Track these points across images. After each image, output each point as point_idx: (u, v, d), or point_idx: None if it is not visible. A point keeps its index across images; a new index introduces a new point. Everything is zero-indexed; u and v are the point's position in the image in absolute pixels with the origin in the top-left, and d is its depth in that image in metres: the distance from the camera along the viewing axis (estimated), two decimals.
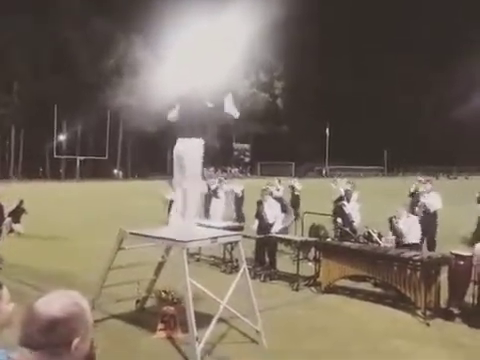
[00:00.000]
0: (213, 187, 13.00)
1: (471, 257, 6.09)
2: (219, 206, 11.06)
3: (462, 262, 6.18)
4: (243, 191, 13.38)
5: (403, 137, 65.42)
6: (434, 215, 10.33)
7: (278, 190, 14.33)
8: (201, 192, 5.67)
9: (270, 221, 8.30)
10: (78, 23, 46.89)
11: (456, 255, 6.31)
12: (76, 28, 46.97)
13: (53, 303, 1.38)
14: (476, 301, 6.03)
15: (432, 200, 10.36)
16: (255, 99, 61.50)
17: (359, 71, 64.76)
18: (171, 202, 15.59)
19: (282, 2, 48.72)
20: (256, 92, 62.10)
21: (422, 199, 10.53)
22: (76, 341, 1.37)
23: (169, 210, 15.16)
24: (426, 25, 64.33)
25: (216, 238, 5.23)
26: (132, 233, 5.48)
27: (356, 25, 65.36)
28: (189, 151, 5.38)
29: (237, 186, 13.60)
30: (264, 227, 8.32)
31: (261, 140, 62.14)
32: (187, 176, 5.40)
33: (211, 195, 11.79)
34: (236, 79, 54.57)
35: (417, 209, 10.26)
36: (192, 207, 5.43)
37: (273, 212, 8.38)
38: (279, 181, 14.89)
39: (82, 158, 50.83)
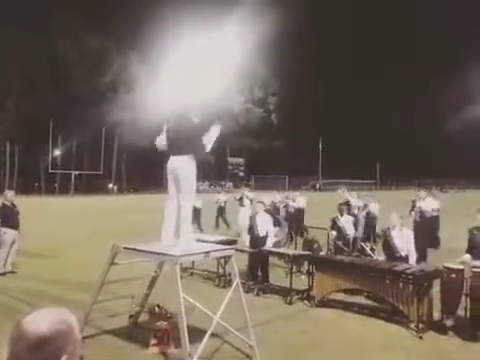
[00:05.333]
0: (238, 196, 16.29)
1: (463, 270, 6.12)
2: (245, 214, 12.12)
3: (454, 275, 6.21)
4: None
5: (395, 151, 65.88)
6: (430, 220, 11.53)
7: (294, 201, 15.30)
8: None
9: (262, 235, 8.31)
10: (74, 40, 47.25)
11: (448, 268, 6.34)
12: (72, 45, 47.35)
13: (41, 321, 1.39)
14: (469, 314, 6.05)
15: (427, 205, 11.42)
16: (250, 114, 61.92)
17: (352, 87, 65.38)
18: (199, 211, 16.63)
19: (277, 19, 49.29)
20: (251, 107, 62.54)
21: (418, 204, 11.69)
22: (64, 359, 1.39)
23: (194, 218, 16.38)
24: (418, 40, 65.16)
25: (209, 252, 5.24)
26: (125, 248, 5.48)
27: (350, 42, 66.19)
28: (182, 167, 5.41)
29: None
30: (256, 241, 8.34)
31: (255, 154, 62.43)
32: (181, 192, 5.43)
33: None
34: (231, 95, 54.95)
35: (413, 214, 11.51)
36: (187, 222, 5.46)
37: (265, 226, 8.40)
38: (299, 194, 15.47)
39: (77, 173, 50.75)
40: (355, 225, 13.26)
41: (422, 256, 10.25)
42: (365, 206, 14.31)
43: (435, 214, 13.54)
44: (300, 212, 16.32)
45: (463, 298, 6.13)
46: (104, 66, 49.98)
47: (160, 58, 46.18)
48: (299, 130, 62.31)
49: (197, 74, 39.02)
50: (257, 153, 61.87)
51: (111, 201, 38.21)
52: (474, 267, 6.06)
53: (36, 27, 44.24)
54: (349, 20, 66.24)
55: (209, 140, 5.50)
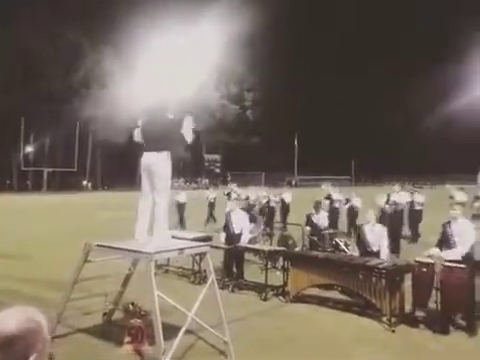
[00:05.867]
0: (226, 192, 16.74)
1: (433, 264, 6.24)
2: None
3: (425, 269, 6.33)
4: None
5: (370, 147, 66.75)
6: (416, 213, 13.26)
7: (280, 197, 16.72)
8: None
9: (237, 231, 8.33)
10: (46, 35, 46.26)
11: (419, 262, 6.45)
12: (44, 40, 46.32)
13: (9, 320, 1.38)
14: (439, 307, 6.18)
15: (401, 198, 12.50)
16: (226, 110, 61.87)
17: (328, 84, 65.89)
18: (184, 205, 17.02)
19: (253, 15, 49.29)
20: (226, 103, 62.50)
21: (392, 198, 12.62)
22: (33, 357, 1.38)
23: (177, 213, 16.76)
24: (395, 37, 66.03)
25: (183, 249, 5.22)
26: (98, 245, 5.42)
27: (326, 39, 66.64)
28: (156, 164, 5.37)
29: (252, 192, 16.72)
30: (232, 237, 8.35)
31: (231, 151, 62.46)
32: (156, 189, 5.39)
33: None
34: (207, 91, 54.79)
35: (387, 207, 12.30)
36: (161, 219, 5.43)
37: (240, 222, 8.41)
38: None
39: (50, 170, 49.91)
40: (333, 219, 13.81)
41: (396, 247, 11.33)
42: (347, 200, 14.95)
43: (419, 208, 14.42)
44: (287, 207, 16.83)
45: (434, 291, 6.25)
46: (77, 61, 49.15)
47: (135, 54, 45.71)
48: (275, 126, 62.58)
49: (172, 70, 38.81)
50: (233, 149, 61.93)
51: (85, 198, 37.73)
52: (444, 261, 6.19)
53: (5, 22, 43.11)
54: (325, 17, 66.76)
55: (186, 133, 5.47)
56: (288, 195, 16.96)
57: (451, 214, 6.58)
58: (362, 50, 68.53)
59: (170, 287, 6.73)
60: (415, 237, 13.89)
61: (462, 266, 6.07)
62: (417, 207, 14.52)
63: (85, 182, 56.01)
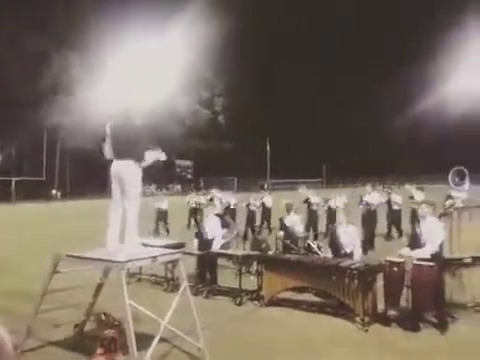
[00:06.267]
0: (208, 197, 16.87)
1: (404, 263, 6.35)
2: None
3: (396, 268, 6.43)
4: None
5: (341, 150, 67.67)
6: (395, 212, 14.02)
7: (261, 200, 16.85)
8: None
9: (210, 237, 8.30)
10: (10, 39, 45.21)
11: (390, 262, 6.56)
12: (7, 45, 45.24)
13: None
14: (410, 305, 6.29)
15: (373, 199, 13.30)
16: (197, 116, 61.68)
17: (298, 87, 66.50)
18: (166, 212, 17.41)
19: (221, 21, 49.41)
20: (198, 109, 62.32)
21: (364, 198, 13.36)
22: None
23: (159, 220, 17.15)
24: (363, 40, 67.12)
25: (155, 257, 5.17)
26: (68, 255, 5.31)
27: (294, 44, 67.32)
28: (126, 171, 5.32)
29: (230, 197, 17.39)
30: (204, 243, 8.31)
31: (203, 156, 62.29)
32: (126, 196, 5.34)
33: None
34: (177, 96, 54.57)
35: (361, 207, 13.11)
36: (133, 227, 5.37)
37: (213, 228, 8.38)
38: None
39: (18, 179, 48.74)
40: (313, 221, 13.99)
41: (369, 244, 12.15)
42: (326, 201, 15.19)
43: (397, 208, 14.99)
44: (268, 211, 16.73)
45: (405, 290, 6.36)
46: (43, 67, 48.15)
47: (102, 60, 45.16)
48: (247, 131, 62.71)
49: (141, 76, 38.49)
50: (205, 155, 61.75)
51: (55, 208, 37.01)
52: (414, 260, 6.30)
53: None
54: (294, 21, 67.43)
55: (148, 159, 5.44)
56: (269, 199, 17.02)
57: (420, 214, 6.71)
58: (331, 55, 69.52)
59: (143, 295, 6.64)
60: (399, 235, 14.50)
61: (431, 264, 6.19)
62: (395, 207, 15.04)
63: (54, 191, 54.90)
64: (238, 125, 62.21)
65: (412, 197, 14.21)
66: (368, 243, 12.18)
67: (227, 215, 15.52)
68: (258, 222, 16.58)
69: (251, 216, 16.35)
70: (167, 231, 17.28)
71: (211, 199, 16.55)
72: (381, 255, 6.84)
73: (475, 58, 49.21)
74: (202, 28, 47.64)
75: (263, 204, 16.72)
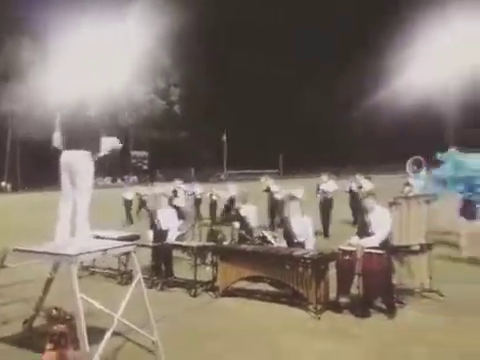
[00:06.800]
0: (172, 188, 16.82)
1: (355, 251, 6.51)
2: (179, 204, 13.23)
3: (347, 257, 6.59)
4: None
5: (297, 141, 68.47)
6: (331, 200, 14.13)
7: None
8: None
9: (164, 228, 8.24)
10: None
11: (342, 250, 6.71)
12: None
13: None
14: (361, 292, 6.47)
15: (329, 187, 14.02)
16: (153, 106, 60.86)
17: (255, 77, 66.64)
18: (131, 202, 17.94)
19: (178, 9, 48.76)
20: (154, 99, 61.47)
21: (321, 187, 14.06)
22: None
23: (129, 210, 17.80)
24: (318, 32, 67.83)
25: (106, 250, 5.07)
26: (16, 249, 5.14)
27: (250, 32, 67.26)
28: (78, 162, 5.19)
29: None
30: (159, 235, 8.24)
31: (159, 147, 61.59)
32: (78, 188, 5.21)
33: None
34: (132, 86, 53.64)
35: (318, 195, 14.01)
36: (83, 220, 5.25)
37: (167, 219, 8.32)
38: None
39: None
40: (272, 211, 14.20)
41: (325, 231, 13.44)
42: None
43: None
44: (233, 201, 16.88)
45: (356, 278, 6.53)
46: None
47: (56, 46, 43.74)
48: (203, 121, 62.45)
49: (95, 64, 37.58)
50: (161, 145, 61.08)
51: (4, 200, 35.77)
52: (364, 248, 6.48)
53: None
54: (252, 11, 67.25)
55: (104, 147, 5.33)
56: (234, 188, 17.17)
57: (367, 203, 6.89)
58: (289, 46, 69.93)
59: (96, 289, 6.54)
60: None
61: (381, 252, 6.39)
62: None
63: (4, 183, 52.99)
64: (194, 115, 61.88)
65: (361, 187, 14.79)
66: (324, 230, 13.46)
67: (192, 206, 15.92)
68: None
69: (214, 206, 16.88)
70: (131, 221, 17.68)
71: (175, 191, 16.54)
72: (343, 240, 6.97)
73: (426, 52, 50.94)
74: (159, 16, 46.90)
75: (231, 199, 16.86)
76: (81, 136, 5.16)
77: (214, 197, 17.15)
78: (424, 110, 56.32)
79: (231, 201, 16.61)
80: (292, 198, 8.48)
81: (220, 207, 16.97)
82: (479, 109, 51.60)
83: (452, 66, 51.05)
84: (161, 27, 48.20)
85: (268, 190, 15.62)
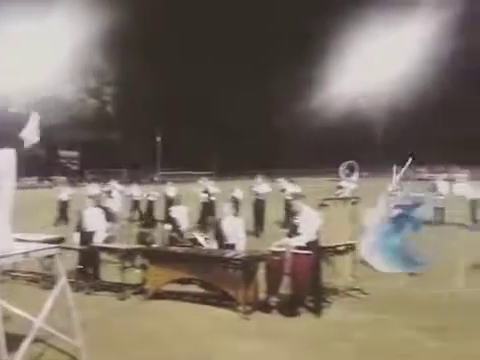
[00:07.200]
0: (107, 189, 16.79)
1: (284, 252, 6.63)
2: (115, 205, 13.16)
3: (277, 257, 6.71)
4: None
5: (232, 143, 68.92)
6: (263, 201, 14.78)
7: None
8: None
9: (91, 230, 7.99)
10: None
11: (272, 251, 6.82)
12: None
13: None
14: (289, 292, 6.60)
15: (262, 189, 14.87)
16: (83, 105, 58.99)
17: (190, 79, 66.29)
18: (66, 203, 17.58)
19: (113, 8, 47.58)
20: (84, 98, 59.58)
21: (254, 188, 14.98)
22: None
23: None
24: (251, 38, 68.57)
25: (28, 253, 4.84)
26: None
27: (187, 32, 66.88)
28: None
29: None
30: (86, 237, 7.99)
31: (90, 147, 59.74)
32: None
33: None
34: (61, 84, 51.76)
35: (252, 196, 14.84)
36: (3, 223, 4.98)
37: (94, 221, 8.08)
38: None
39: None
40: (212, 212, 14.46)
41: (259, 230, 14.05)
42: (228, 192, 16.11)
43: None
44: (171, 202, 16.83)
45: (285, 278, 6.65)
46: None
47: None
48: (136, 122, 61.25)
49: (21, 61, 35.91)
50: (92, 145, 59.25)
51: None
52: (293, 248, 6.62)
53: None
54: (188, 12, 66.82)
55: (31, 131, 5.07)
56: (172, 190, 17.13)
57: (295, 205, 7.04)
58: (224, 48, 70.06)
59: (18, 294, 6.25)
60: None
61: (308, 252, 6.55)
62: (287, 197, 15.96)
63: None
64: (128, 115, 60.61)
65: (284, 190, 15.58)
66: (258, 229, 14.04)
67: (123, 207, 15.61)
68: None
69: (150, 207, 16.97)
70: (66, 221, 17.23)
71: (109, 192, 16.21)
72: (275, 241, 7.05)
73: (354, 60, 53.19)
74: (90, 13, 45.50)
75: (165, 195, 16.75)
76: (2, 134, 4.90)
77: (151, 198, 17.13)
78: (354, 116, 58.75)
79: (169, 202, 16.54)
80: (227, 200, 8.60)
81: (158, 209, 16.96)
82: (406, 114, 54.57)
83: (379, 74, 53.70)
84: (93, 24, 46.81)
85: (206, 192, 16.00)
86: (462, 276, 8.35)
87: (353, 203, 7.88)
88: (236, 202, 15.59)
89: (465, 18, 47.43)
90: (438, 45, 49.20)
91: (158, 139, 66.67)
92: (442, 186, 16.94)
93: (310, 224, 6.69)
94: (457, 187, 16.78)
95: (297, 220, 6.80)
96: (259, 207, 14.63)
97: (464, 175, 23.65)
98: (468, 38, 46.72)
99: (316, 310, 6.53)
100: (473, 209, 15.12)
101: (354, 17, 51.64)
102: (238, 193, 16.10)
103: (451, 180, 19.94)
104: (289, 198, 14.71)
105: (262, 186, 15.13)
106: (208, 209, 15.33)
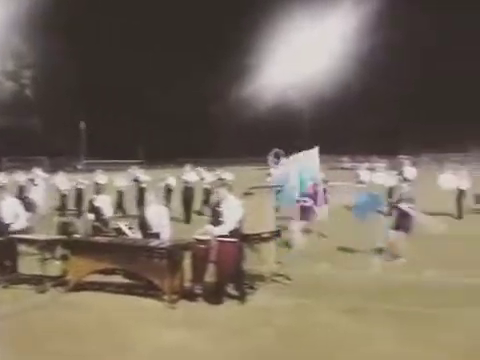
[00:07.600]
0: (30, 177, 16.24)
1: (209, 240, 6.64)
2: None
3: (203, 245, 6.70)
4: None
5: (161, 132, 67.86)
6: (192, 189, 15.03)
7: None
8: None
9: (7, 220, 7.57)
10: None
11: (197, 240, 6.81)
12: None
13: None
14: (214, 280, 6.63)
15: (191, 177, 15.19)
16: (0, 88, 55.61)
17: (117, 64, 64.24)
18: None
19: None
20: (1, 80, 56.13)
21: (183, 177, 15.14)
22: None
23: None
24: (180, 22, 67.52)
25: None
26: None
27: (116, 19, 64.52)
28: None
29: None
30: (2, 229, 7.55)
31: (7, 133, 56.37)
32: None
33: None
34: None
35: (181, 184, 15.09)
36: None
37: (10, 211, 7.66)
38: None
39: None
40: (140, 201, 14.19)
41: (187, 219, 14.30)
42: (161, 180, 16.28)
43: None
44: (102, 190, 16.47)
45: (210, 266, 6.68)
46: None
47: None
48: (59, 108, 58.49)
49: None
50: (8, 132, 55.91)
51: None
52: (217, 236, 6.64)
53: None
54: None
55: None
56: (103, 177, 16.78)
57: (218, 193, 7.05)
58: (158, 34, 68.37)
59: None
60: None
61: (232, 240, 6.61)
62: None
63: None
64: (49, 101, 57.76)
65: (203, 178, 16.24)
66: (186, 216, 14.40)
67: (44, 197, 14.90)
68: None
69: (79, 196, 16.41)
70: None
71: (32, 180, 15.46)
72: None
73: (283, 52, 54.30)
74: None
75: (96, 183, 16.18)
76: None
77: (80, 186, 16.56)
78: (283, 105, 60.02)
79: (98, 191, 16.06)
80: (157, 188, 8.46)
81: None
82: (333, 105, 56.47)
83: (307, 66, 55.14)
84: (12, 5, 44.06)
85: (137, 180, 16.17)
86: (378, 260, 8.78)
87: (278, 192, 8.03)
88: (170, 190, 15.93)
89: (382, 15, 49.78)
90: (359, 40, 51.51)
91: (82, 126, 64.21)
92: (364, 175, 17.91)
93: (233, 212, 6.71)
94: (376, 176, 17.64)
95: (220, 208, 6.80)
96: (188, 195, 15.01)
97: (383, 165, 24.87)
98: (385, 34, 49.11)
99: (240, 297, 6.62)
100: (390, 196, 16.01)
101: (283, 10, 52.59)
102: (171, 181, 16.09)
103: (372, 169, 20.90)
104: (207, 187, 15.34)
105: (190, 174, 15.45)
106: (141, 196, 15.17)
